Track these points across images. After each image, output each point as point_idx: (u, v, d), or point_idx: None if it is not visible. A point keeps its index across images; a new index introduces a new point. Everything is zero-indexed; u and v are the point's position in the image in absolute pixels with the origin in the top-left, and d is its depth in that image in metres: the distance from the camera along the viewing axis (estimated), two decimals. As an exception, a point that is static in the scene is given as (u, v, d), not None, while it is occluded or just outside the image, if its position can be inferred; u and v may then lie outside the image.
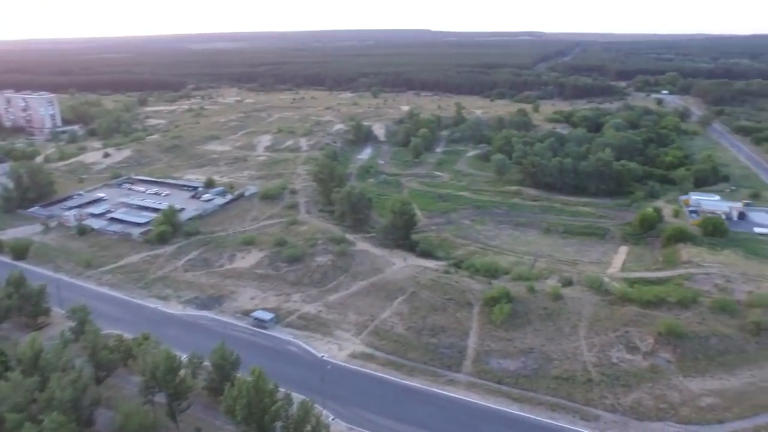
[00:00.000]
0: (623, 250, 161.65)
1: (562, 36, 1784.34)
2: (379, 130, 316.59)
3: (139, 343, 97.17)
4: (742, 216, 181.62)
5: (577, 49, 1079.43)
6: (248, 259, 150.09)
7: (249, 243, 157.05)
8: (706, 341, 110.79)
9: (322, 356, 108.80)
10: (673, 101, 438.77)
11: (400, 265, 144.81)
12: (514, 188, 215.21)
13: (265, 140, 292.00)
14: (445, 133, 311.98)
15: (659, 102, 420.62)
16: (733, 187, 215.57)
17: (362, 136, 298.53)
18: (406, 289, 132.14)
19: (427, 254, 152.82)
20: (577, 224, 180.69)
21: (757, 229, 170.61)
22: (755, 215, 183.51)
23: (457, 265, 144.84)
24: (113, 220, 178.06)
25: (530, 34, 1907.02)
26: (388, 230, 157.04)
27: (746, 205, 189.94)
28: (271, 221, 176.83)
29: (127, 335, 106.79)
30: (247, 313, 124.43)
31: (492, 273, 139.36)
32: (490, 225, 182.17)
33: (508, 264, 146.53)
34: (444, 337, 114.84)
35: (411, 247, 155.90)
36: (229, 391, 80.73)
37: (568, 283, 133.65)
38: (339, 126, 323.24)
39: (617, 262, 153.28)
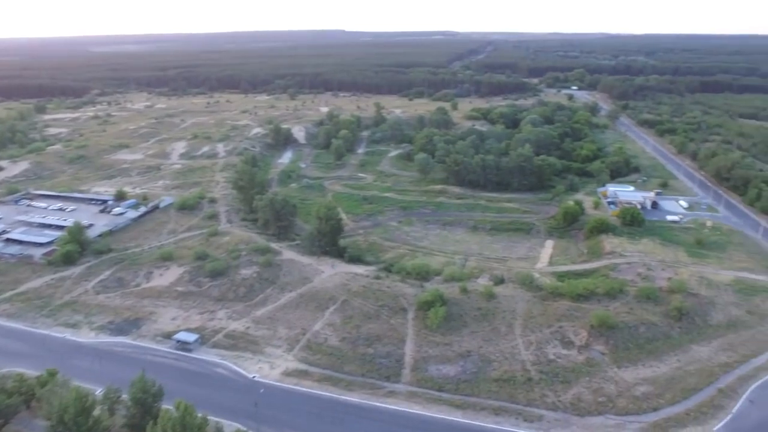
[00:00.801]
0: (549, 244, 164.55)
1: (474, 35, 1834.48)
2: (298, 132, 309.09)
3: (44, 381, 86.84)
4: (654, 205, 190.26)
5: (489, 47, 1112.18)
6: (167, 276, 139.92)
7: (167, 258, 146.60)
8: (635, 330, 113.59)
9: (254, 377, 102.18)
10: (583, 96, 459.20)
11: (329, 272, 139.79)
12: (438, 187, 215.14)
13: (180, 147, 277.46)
14: (365, 133, 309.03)
15: (570, 97, 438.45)
16: (645, 178, 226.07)
17: (282, 140, 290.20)
18: (337, 298, 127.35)
19: (356, 260, 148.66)
20: (503, 221, 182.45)
21: (669, 217, 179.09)
22: (666, 204, 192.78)
23: (388, 270, 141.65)
24: (10, 241, 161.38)
25: (443, 33, 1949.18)
26: (314, 237, 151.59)
27: (657, 194, 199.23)
28: (190, 233, 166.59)
29: (30, 373, 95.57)
30: (168, 336, 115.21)
31: (423, 275, 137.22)
32: (418, 225, 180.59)
33: (438, 265, 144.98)
34: (380, 347, 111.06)
35: (339, 254, 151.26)
36: (151, 428, 73.06)
37: (499, 281, 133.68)
38: (257, 130, 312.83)
39: (545, 256, 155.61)
